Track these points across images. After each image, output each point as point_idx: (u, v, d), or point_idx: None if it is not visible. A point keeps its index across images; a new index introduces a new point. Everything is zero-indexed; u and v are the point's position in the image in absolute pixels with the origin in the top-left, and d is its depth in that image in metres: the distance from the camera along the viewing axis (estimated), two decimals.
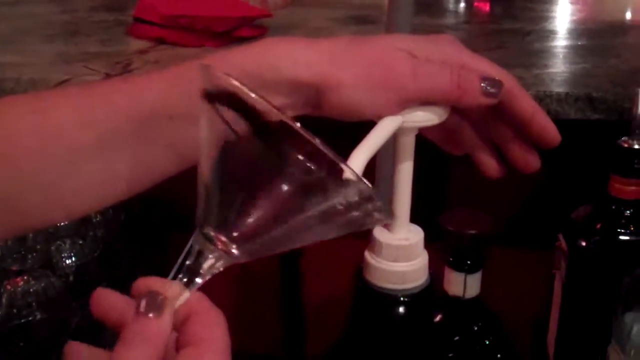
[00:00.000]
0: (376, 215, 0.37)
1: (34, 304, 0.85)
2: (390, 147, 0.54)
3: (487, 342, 0.71)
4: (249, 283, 1.05)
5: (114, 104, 0.51)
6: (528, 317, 0.87)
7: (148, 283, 0.38)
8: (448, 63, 0.52)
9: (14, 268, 0.89)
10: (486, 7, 1.35)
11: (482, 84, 0.51)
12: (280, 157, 0.36)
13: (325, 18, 1.17)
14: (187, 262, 0.38)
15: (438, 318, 0.71)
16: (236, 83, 0.36)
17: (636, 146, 0.69)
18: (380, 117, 0.51)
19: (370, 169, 0.47)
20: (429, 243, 0.58)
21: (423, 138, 0.56)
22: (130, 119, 0.50)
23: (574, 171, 0.91)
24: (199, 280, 0.38)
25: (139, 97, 0.51)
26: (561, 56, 0.99)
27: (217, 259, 0.38)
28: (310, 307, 1.07)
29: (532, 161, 0.56)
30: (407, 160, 0.55)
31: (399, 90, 0.51)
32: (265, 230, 0.37)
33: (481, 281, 0.70)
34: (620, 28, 1.18)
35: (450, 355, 0.71)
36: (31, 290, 0.85)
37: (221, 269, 0.39)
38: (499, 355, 0.72)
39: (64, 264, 0.91)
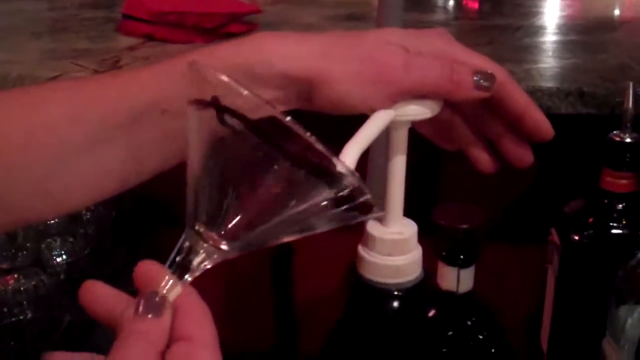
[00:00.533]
0: (366, 208, 0.37)
1: (24, 302, 0.84)
2: (382, 141, 0.54)
3: (481, 337, 0.71)
4: (239, 281, 1.05)
5: (104, 99, 0.51)
6: (521, 312, 0.87)
7: (149, 269, 0.38)
8: (440, 56, 0.52)
9: (4, 266, 0.88)
10: (475, 4, 1.35)
11: (474, 78, 0.51)
12: (270, 152, 0.35)
13: (315, 15, 1.17)
14: (178, 258, 0.38)
15: (431, 313, 0.71)
16: (225, 78, 0.36)
17: (627, 139, 0.69)
18: (372, 111, 0.51)
19: (363, 163, 0.46)
20: (421, 237, 0.58)
21: (415, 132, 0.56)
22: (120, 115, 0.50)
23: (566, 165, 0.91)
24: (189, 275, 0.38)
25: (130, 92, 0.51)
26: (551, 51, 0.99)
27: (208, 255, 0.38)
28: (302, 304, 1.07)
29: (525, 156, 0.56)
30: (400, 154, 0.55)
31: (391, 84, 0.50)
32: (256, 225, 0.37)
33: (474, 276, 0.70)
34: (609, 24, 1.18)
35: (444, 350, 0.71)
36: (22, 288, 0.85)
37: (212, 264, 0.38)
38: (492, 350, 0.72)
39: (54, 262, 0.90)
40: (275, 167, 0.35)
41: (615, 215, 0.72)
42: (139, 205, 1.00)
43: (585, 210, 0.74)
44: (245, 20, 1.04)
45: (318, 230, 0.38)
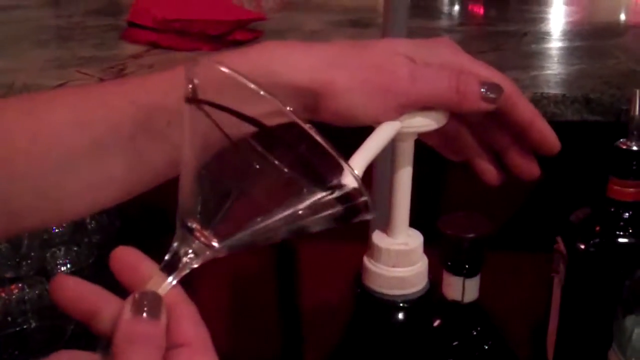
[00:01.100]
0: (362, 209, 0.37)
1: (28, 311, 0.84)
2: (388, 153, 0.54)
3: (486, 347, 0.71)
4: (246, 292, 1.05)
5: (110, 106, 0.51)
6: (527, 321, 0.86)
7: (130, 259, 0.38)
8: (447, 67, 0.51)
9: (9, 275, 0.88)
10: (480, 10, 1.35)
11: (481, 89, 0.51)
12: (267, 150, 0.35)
13: (320, 21, 1.17)
14: (167, 256, 0.38)
15: (437, 323, 0.71)
16: (227, 70, 0.35)
17: (634, 148, 0.69)
18: (378, 123, 0.50)
19: (367, 174, 0.46)
20: (427, 247, 0.57)
21: (420, 142, 0.56)
22: (126, 122, 0.50)
23: (572, 173, 0.91)
24: (178, 273, 0.38)
25: (136, 100, 0.50)
26: (557, 58, 0.99)
27: (198, 252, 0.38)
28: (308, 315, 1.07)
29: (531, 169, 0.56)
30: (406, 165, 0.54)
31: (398, 95, 0.50)
32: (249, 224, 0.37)
33: (480, 285, 0.70)
34: (615, 29, 1.18)
35: None
36: (26, 297, 0.85)
37: (202, 262, 0.38)
38: None
39: (59, 270, 0.90)
40: (270, 165, 0.35)
41: (622, 224, 0.71)
42: (144, 214, 1.00)
43: (591, 219, 0.74)
44: (251, 27, 1.04)
45: (311, 231, 0.38)
